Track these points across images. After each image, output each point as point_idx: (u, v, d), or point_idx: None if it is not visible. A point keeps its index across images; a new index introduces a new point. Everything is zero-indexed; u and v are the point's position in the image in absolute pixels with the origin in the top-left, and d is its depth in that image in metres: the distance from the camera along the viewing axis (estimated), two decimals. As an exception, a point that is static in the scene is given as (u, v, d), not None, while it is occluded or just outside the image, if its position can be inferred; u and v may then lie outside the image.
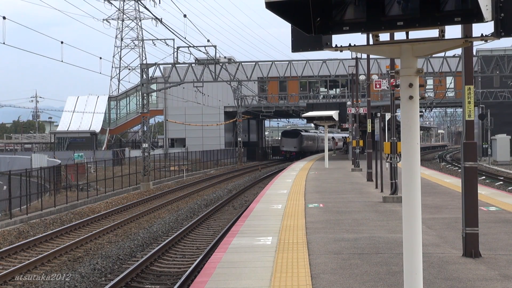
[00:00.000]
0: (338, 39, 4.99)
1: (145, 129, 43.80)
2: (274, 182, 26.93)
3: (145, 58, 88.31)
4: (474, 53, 52.29)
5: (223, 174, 49.89)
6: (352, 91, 44.50)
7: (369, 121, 27.14)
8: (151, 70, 43.63)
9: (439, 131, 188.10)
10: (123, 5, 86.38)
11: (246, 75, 47.65)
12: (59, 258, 16.03)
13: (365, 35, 5.02)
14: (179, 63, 42.13)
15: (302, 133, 72.73)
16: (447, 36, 4.83)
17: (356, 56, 34.88)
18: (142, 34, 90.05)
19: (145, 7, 29.85)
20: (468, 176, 9.71)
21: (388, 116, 21.25)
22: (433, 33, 4.83)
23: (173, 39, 41.58)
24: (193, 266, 13.60)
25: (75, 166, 35.60)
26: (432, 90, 64.00)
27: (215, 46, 42.35)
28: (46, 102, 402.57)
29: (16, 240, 18.87)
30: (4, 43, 28.27)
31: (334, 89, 74.17)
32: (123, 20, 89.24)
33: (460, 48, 7.05)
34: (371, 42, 5.04)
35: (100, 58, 37.36)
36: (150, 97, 50.17)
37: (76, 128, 77.43)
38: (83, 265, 14.44)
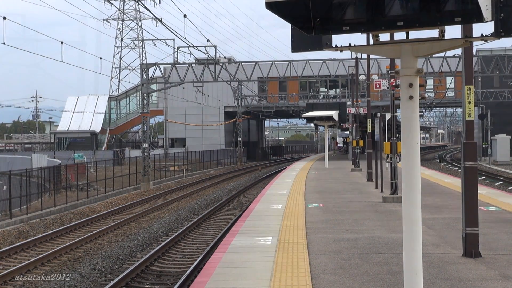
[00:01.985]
0: (338, 39, 5.00)
1: (145, 129, 43.80)
2: (274, 182, 26.93)
3: (145, 58, 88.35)
4: (474, 53, 52.29)
5: (223, 174, 49.87)
6: (352, 91, 44.49)
7: (369, 121, 27.14)
8: (151, 70, 43.63)
9: (439, 131, 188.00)
10: (123, 5, 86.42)
11: (246, 75, 47.63)
12: (59, 258, 16.03)
13: (365, 35, 5.02)
14: (179, 63, 42.10)
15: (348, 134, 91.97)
16: (447, 36, 4.84)
17: (356, 56, 34.85)
18: (142, 34, 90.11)
19: (145, 7, 29.82)
20: (468, 176, 9.71)
21: (388, 116, 21.25)
22: (433, 33, 4.83)
23: (173, 39, 41.57)
24: (193, 266, 13.61)
25: (75, 166, 35.59)
26: (432, 90, 64.00)
27: (215, 46, 42.36)
28: (46, 102, 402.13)
29: (16, 240, 18.86)
30: (4, 43, 28.29)
31: (334, 89, 74.17)
32: (123, 20, 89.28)
33: (460, 48, 7.05)
34: (371, 42, 5.04)
35: (101, 58, 37.49)
36: (150, 97, 50.14)
37: (76, 128, 77.41)
38: (83, 265, 14.44)
